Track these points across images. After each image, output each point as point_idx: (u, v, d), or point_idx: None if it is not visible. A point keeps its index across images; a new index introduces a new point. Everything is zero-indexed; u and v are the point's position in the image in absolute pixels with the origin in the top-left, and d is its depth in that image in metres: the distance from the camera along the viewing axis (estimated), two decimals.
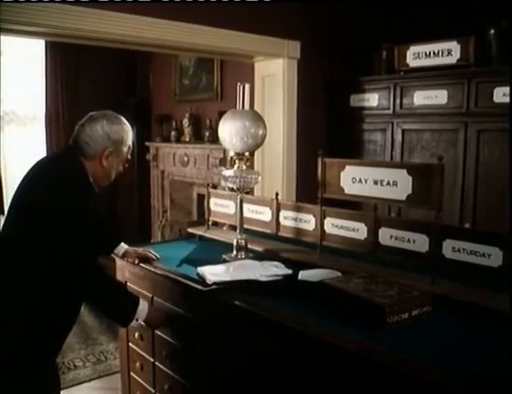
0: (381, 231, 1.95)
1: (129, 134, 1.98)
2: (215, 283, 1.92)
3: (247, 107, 2.29)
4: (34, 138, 6.27)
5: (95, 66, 6.09)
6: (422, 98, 3.13)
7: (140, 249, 2.32)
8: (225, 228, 2.73)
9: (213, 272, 2.04)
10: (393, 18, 3.60)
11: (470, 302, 1.64)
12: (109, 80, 6.17)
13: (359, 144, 3.47)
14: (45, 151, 6.21)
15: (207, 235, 2.67)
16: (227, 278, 1.97)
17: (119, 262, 2.46)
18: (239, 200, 2.34)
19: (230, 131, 2.25)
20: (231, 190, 2.43)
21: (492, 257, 1.67)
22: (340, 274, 1.93)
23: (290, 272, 2.02)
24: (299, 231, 2.29)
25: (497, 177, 2.91)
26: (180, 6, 2.99)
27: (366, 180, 1.96)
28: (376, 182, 1.93)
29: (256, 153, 3.64)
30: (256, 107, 3.58)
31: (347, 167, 2.03)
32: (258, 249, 2.38)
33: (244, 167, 2.30)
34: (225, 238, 2.53)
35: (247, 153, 2.28)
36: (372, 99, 3.38)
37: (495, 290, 1.68)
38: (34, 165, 1.94)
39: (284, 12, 3.29)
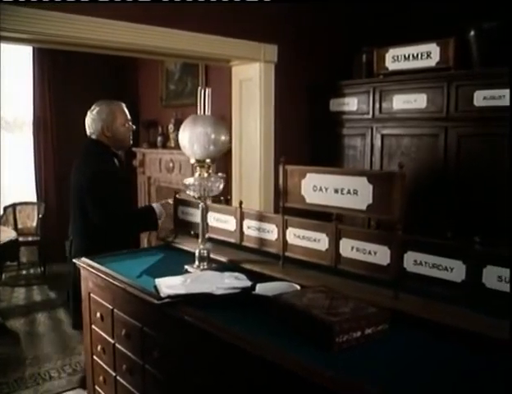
0: (342, 242, 1.85)
1: (115, 109, 2.74)
2: (169, 296, 1.83)
3: (209, 112, 2.21)
4: (21, 143, 6.22)
5: (83, 71, 6.04)
6: (401, 102, 3.03)
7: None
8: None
9: (169, 285, 1.96)
10: (374, 21, 3.51)
11: (431, 319, 1.54)
12: (97, 86, 6.11)
13: (340, 149, 3.37)
14: (33, 156, 6.18)
15: (175, 244, 2.60)
16: (182, 291, 1.89)
17: (83, 272, 2.41)
18: (200, 209, 2.26)
19: (190, 138, 2.17)
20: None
21: (455, 271, 1.56)
22: (298, 287, 1.85)
23: (248, 284, 1.93)
24: (262, 241, 2.19)
25: (478, 184, 2.80)
26: (153, 11, 2.92)
27: (327, 189, 1.86)
28: (336, 191, 1.83)
29: (233, 159, 3.56)
30: (234, 113, 3.50)
31: (308, 175, 1.93)
32: (222, 259, 2.29)
33: (206, 175, 2.21)
34: (192, 248, 2.45)
35: (208, 160, 2.20)
36: (351, 104, 3.28)
37: (460, 305, 1.58)
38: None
39: (261, 16, 3.20)
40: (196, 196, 2.23)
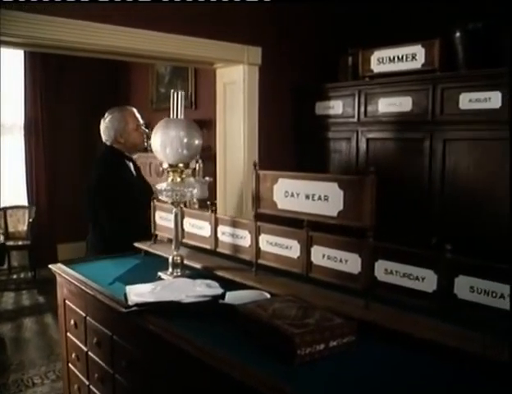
0: (313, 250, 1.79)
1: (126, 115, 2.83)
2: (136, 304, 1.78)
3: (182, 116, 2.16)
4: (13, 146, 6.18)
5: (75, 74, 6.01)
6: (386, 105, 2.97)
7: None
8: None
9: (138, 292, 1.93)
10: (360, 22, 3.46)
11: (401, 331, 1.48)
12: (89, 89, 6.09)
13: (325, 154, 3.30)
14: (24, 159, 6.14)
15: (151, 250, 2.54)
16: (150, 299, 1.85)
17: (58, 278, 2.39)
18: (173, 215, 2.20)
19: (162, 142, 2.12)
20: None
21: (427, 280, 1.50)
22: (268, 296, 1.80)
23: (219, 292, 1.89)
24: (236, 247, 2.14)
25: (464, 189, 2.74)
26: (135, 12, 2.87)
27: (298, 195, 1.80)
28: (307, 197, 1.77)
29: (218, 164, 3.50)
30: (218, 116, 3.45)
31: (280, 180, 1.88)
32: (197, 265, 2.24)
33: (179, 180, 2.16)
34: (168, 254, 2.40)
35: (181, 165, 2.15)
36: (336, 107, 3.21)
37: (431, 316, 1.51)
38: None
39: (245, 17, 3.15)
40: (169, 202, 2.19)
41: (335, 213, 1.68)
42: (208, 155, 3.73)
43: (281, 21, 3.29)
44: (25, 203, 6.19)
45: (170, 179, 2.17)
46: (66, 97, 6.04)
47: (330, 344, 1.41)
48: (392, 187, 3.00)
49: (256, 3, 3.12)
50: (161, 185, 2.17)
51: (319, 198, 1.73)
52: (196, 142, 2.17)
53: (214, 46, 3.08)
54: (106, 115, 2.88)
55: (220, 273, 2.10)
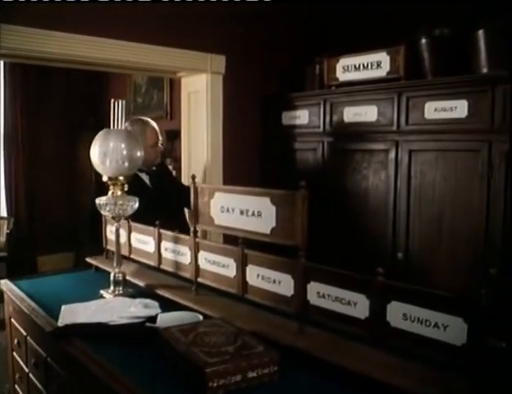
0: (248, 269, 1.68)
1: (146, 129, 2.72)
2: (66, 326, 1.69)
3: (122, 126, 2.06)
4: None
5: (56, 86, 5.94)
6: (351, 114, 2.86)
7: None
8: None
9: (71, 313, 1.85)
10: (328, 29, 3.36)
11: (331, 361, 1.35)
12: (70, 100, 6.02)
13: (292, 165, 3.19)
14: (3, 170, 6.05)
15: (101, 265, 2.44)
16: (80, 320, 1.76)
17: (5, 296, 2.32)
18: (115, 230, 2.09)
19: (101, 153, 2.01)
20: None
21: (359, 306, 1.38)
22: (201, 318, 1.68)
23: (154, 313, 1.78)
24: (177, 264, 2.03)
25: (430, 202, 2.62)
26: (94, 20, 2.78)
27: (233, 210, 1.69)
28: (242, 212, 1.66)
29: (183, 176, 3.39)
30: (183, 127, 3.35)
31: (216, 194, 1.77)
32: (140, 283, 2.14)
33: (120, 193, 2.05)
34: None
35: (121, 178, 2.04)
36: (303, 117, 3.10)
37: (365, 344, 1.39)
38: None
39: (208, 25, 3.05)
40: (110, 216, 2.08)
41: (268, 231, 1.57)
42: (180, 166, 3.63)
43: (246, 29, 3.18)
44: (3, 214, 6.08)
45: (110, 192, 2.07)
46: (47, 108, 5.96)
47: (248, 375, 1.29)
48: (356, 200, 2.89)
49: (221, 11, 3.03)
50: (101, 199, 2.06)
51: (253, 213, 1.61)
52: (138, 154, 2.06)
53: (176, 54, 2.99)
54: (127, 124, 2.74)
55: (161, 292, 1.99)
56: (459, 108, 2.49)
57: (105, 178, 2.06)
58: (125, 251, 2.40)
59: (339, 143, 2.95)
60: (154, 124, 2.80)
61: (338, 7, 3.27)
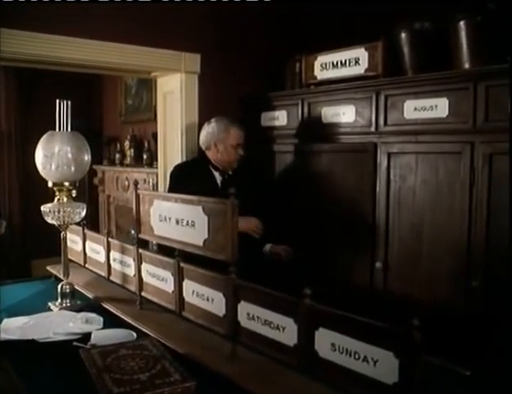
0: (184, 284, 1.54)
1: (230, 129, 2.67)
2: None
3: (68, 128, 1.94)
4: None
5: (49, 88, 5.86)
6: (330, 115, 2.69)
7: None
8: None
9: (9, 327, 1.76)
10: (308, 26, 3.20)
11: (254, 391, 1.21)
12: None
13: (271, 169, 3.03)
14: None
15: (59, 275, 2.32)
16: (15, 336, 1.67)
17: None
18: (62, 238, 1.98)
19: (45, 157, 1.90)
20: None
21: (287, 331, 1.23)
22: (135, 336, 1.56)
23: (92, 329, 1.68)
24: (124, 276, 1.90)
25: (410, 208, 2.45)
26: (66, 19, 2.67)
27: (170, 219, 1.56)
28: (177, 222, 1.52)
29: (159, 181, 3.27)
30: (159, 129, 3.23)
31: (155, 202, 1.64)
32: (89, 295, 2.01)
33: (66, 200, 1.94)
34: (77, 280, 2.18)
35: (67, 184, 1.92)
36: (281, 118, 2.94)
37: (295, 373, 1.24)
38: None
39: (182, 23, 2.92)
40: (56, 224, 1.96)
41: (201, 242, 1.43)
42: None
43: (222, 27, 3.04)
44: None
45: (56, 199, 1.95)
46: (40, 110, 5.90)
47: None
48: (335, 205, 2.72)
49: (195, 9, 2.89)
50: (46, 206, 1.95)
51: (187, 223, 1.48)
52: (85, 158, 1.95)
53: (149, 54, 2.86)
54: (212, 120, 2.73)
55: (106, 306, 1.87)
56: (439, 107, 2.31)
57: (49, 184, 1.95)
58: (80, 260, 2.29)
59: (317, 145, 2.79)
60: (240, 127, 2.70)
61: (317, 1, 3.11)
